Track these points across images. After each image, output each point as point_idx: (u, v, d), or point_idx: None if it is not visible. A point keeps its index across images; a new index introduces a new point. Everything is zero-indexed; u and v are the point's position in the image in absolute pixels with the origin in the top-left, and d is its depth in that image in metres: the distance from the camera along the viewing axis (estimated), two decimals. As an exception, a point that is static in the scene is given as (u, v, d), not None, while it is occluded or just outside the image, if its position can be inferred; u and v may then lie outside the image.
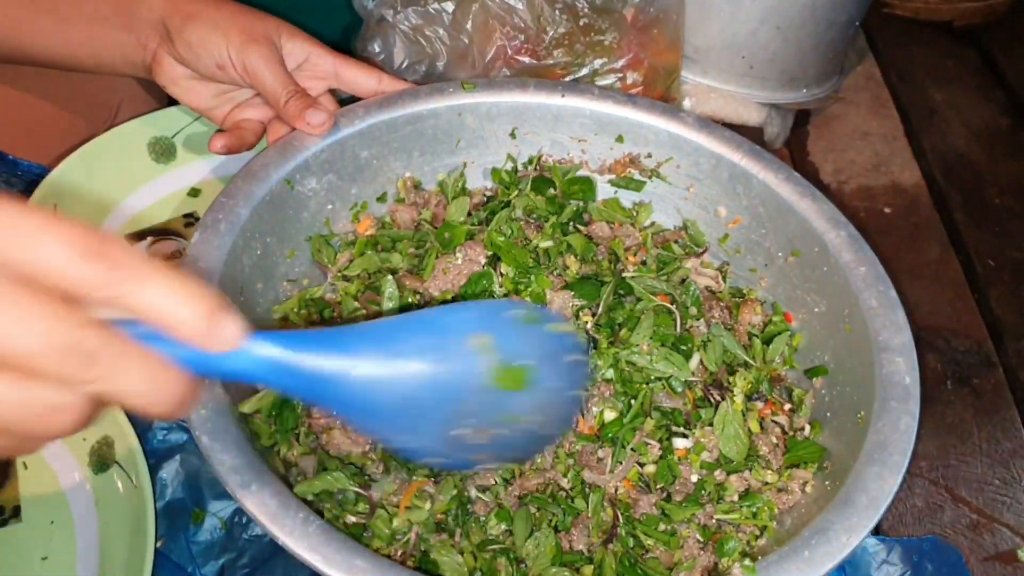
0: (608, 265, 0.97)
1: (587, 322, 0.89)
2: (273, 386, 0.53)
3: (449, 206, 1.00)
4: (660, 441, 0.84)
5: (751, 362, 0.91)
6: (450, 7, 1.08)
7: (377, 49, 1.10)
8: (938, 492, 1.01)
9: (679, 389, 0.87)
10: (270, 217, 0.89)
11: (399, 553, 0.77)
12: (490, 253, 0.93)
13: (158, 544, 0.86)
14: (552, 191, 1.04)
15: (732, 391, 0.87)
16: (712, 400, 0.87)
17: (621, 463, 0.83)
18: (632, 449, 0.84)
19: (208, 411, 0.70)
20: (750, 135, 1.03)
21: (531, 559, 0.77)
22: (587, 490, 0.82)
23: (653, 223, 1.07)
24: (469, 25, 1.08)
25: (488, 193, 1.06)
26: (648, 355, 0.87)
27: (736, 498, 0.82)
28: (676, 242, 1.03)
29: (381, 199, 1.03)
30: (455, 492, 0.80)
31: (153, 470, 0.89)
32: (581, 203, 1.04)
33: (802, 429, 0.88)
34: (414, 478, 0.80)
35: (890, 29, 1.71)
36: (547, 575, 0.76)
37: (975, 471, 1.03)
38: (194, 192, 1.19)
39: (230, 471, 0.67)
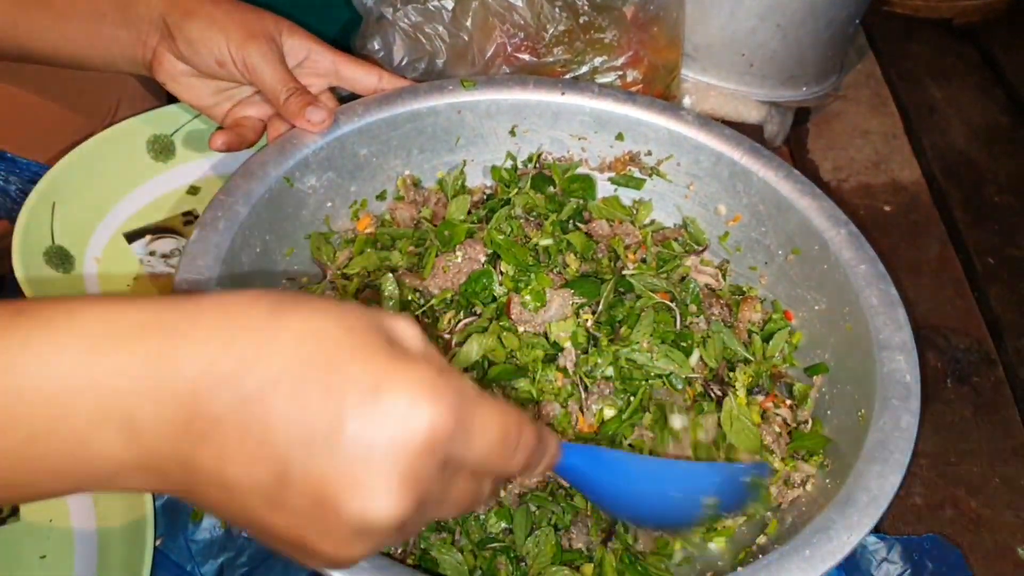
0: (608, 263, 0.97)
1: (587, 320, 0.89)
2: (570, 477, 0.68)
3: (449, 204, 0.99)
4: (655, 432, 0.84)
5: (751, 358, 0.91)
6: (450, 4, 1.08)
7: (377, 46, 1.10)
8: (938, 490, 1.01)
9: (679, 386, 0.87)
10: (269, 215, 0.89)
11: (399, 551, 0.77)
12: (490, 251, 0.92)
13: (157, 543, 0.86)
14: (552, 189, 1.04)
15: (733, 386, 0.87)
16: (713, 395, 0.87)
17: None
18: (630, 445, 0.84)
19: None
20: (750, 133, 1.02)
21: (531, 557, 0.77)
22: None
23: (653, 221, 1.07)
24: (469, 22, 1.08)
25: (488, 191, 1.06)
26: (648, 352, 0.87)
27: None
28: (676, 240, 1.03)
29: (381, 197, 1.03)
30: (455, 490, 0.79)
31: (152, 468, 0.89)
32: (581, 201, 1.04)
33: (805, 422, 0.88)
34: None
35: (890, 27, 1.70)
36: (547, 574, 0.75)
37: (975, 469, 1.03)
38: (193, 190, 1.18)
39: (229, 469, 0.66)
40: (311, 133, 0.93)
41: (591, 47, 1.11)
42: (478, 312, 0.89)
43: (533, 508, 0.80)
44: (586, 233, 1.00)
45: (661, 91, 1.20)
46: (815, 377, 0.91)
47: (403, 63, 1.10)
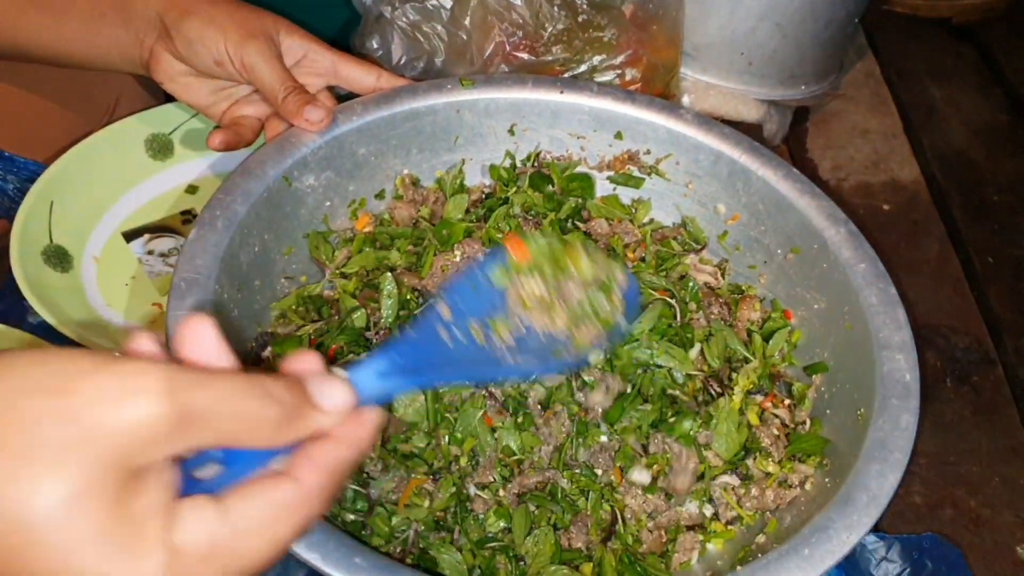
0: (607, 262, 0.96)
1: None
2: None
3: (447, 203, 0.99)
4: (656, 425, 0.84)
5: (751, 357, 0.91)
6: (448, 3, 1.08)
7: (375, 45, 1.09)
8: (937, 490, 1.01)
9: (680, 380, 0.87)
10: (268, 214, 0.89)
11: (398, 551, 0.77)
12: (488, 250, 0.92)
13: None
14: (550, 188, 1.03)
15: (732, 388, 0.87)
16: (713, 393, 0.87)
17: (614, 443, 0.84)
18: (626, 430, 0.84)
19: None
20: (749, 132, 1.02)
21: (530, 557, 0.77)
22: (585, 475, 0.82)
23: (652, 220, 1.07)
24: (467, 21, 1.08)
25: (486, 190, 1.06)
26: (648, 349, 0.87)
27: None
28: (675, 239, 1.03)
29: (379, 196, 1.03)
30: (454, 490, 0.79)
31: (150, 468, 0.89)
32: (580, 200, 1.04)
33: (803, 423, 0.88)
34: (413, 476, 0.80)
35: (889, 26, 1.70)
36: (546, 573, 0.75)
37: (975, 469, 1.03)
38: (192, 189, 1.18)
39: (228, 469, 0.66)
40: (310, 132, 0.92)
41: (590, 46, 1.11)
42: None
43: (532, 508, 0.80)
44: (585, 232, 1.00)
45: (660, 90, 1.20)
46: (814, 376, 0.91)
47: (401, 62, 1.10)
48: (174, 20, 0.90)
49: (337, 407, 0.48)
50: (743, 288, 1.01)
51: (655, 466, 0.83)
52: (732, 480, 0.84)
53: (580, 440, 0.83)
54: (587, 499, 0.81)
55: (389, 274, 0.89)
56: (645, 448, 0.84)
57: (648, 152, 1.04)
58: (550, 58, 1.11)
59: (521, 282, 0.71)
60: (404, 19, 1.08)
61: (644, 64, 1.15)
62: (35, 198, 1.04)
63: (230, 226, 0.83)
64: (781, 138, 1.39)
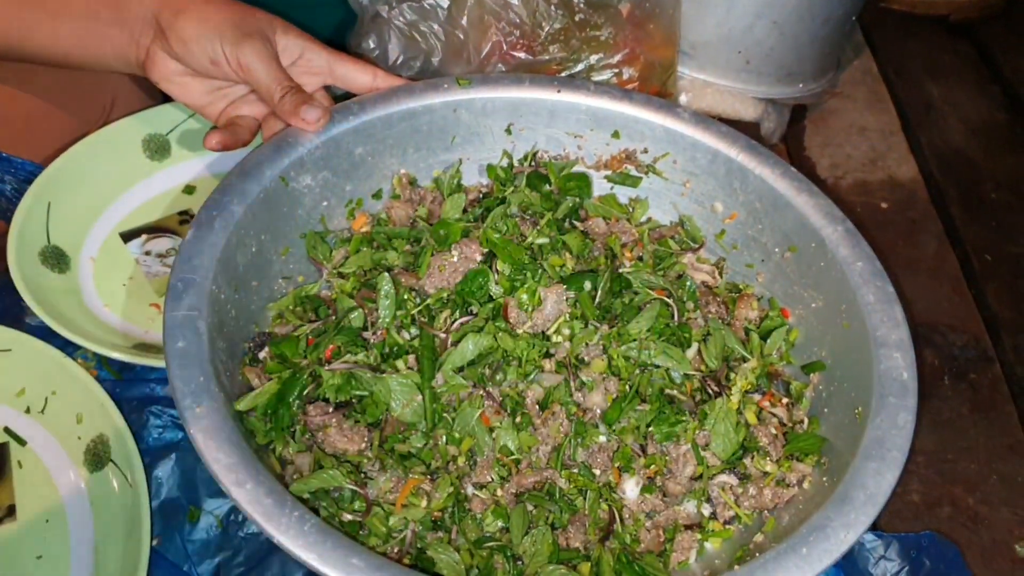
0: (604, 261, 0.96)
1: (579, 328, 0.89)
2: None
3: (445, 203, 0.99)
4: (657, 424, 0.84)
5: (748, 356, 0.91)
6: (445, 2, 1.08)
7: (372, 45, 1.09)
8: (935, 488, 1.01)
9: (678, 380, 0.87)
10: (265, 214, 0.88)
11: (395, 551, 0.77)
12: (486, 250, 0.92)
13: (154, 543, 0.86)
14: (548, 187, 1.03)
15: (730, 388, 0.87)
16: (711, 392, 0.87)
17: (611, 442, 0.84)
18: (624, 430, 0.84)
19: (203, 409, 0.69)
20: (746, 130, 1.02)
21: (528, 556, 0.77)
22: (583, 475, 0.82)
23: (649, 219, 1.07)
24: (464, 21, 1.08)
25: (484, 189, 1.06)
26: (646, 350, 0.87)
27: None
28: (672, 238, 1.03)
29: (376, 196, 1.02)
30: (451, 490, 0.79)
31: (148, 468, 0.89)
32: (577, 199, 1.04)
33: (801, 422, 0.88)
34: (410, 476, 0.80)
35: (887, 24, 1.70)
36: (544, 572, 0.75)
37: (973, 466, 1.03)
38: (189, 189, 1.18)
39: (225, 469, 0.66)
40: (306, 132, 0.92)
41: (587, 45, 1.11)
42: (474, 311, 0.89)
43: (530, 507, 0.80)
44: (582, 231, 1.00)
45: (657, 89, 1.19)
46: (812, 375, 0.91)
47: (398, 61, 1.10)
48: (169, 20, 0.90)
49: None
50: (741, 287, 1.01)
51: (652, 466, 0.83)
52: (730, 479, 0.84)
53: (578, 440, 0.83)
54: (585, 499, 0.81)
55: (386, 274, 0.88)
56: (643, 448, 0.84)
57: (645, 151, 1.04)
58: (547, 57, 1.11)
59: None
60: (401, 18, 1.08)
61: (641, 63, 1.15)
62: (32, 199, 1.04)
63: (227, 226, 0.83)
64: (779, 136, 1.39)
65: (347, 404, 0.83)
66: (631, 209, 1.06)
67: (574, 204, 1.03)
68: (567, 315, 0.89)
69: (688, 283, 0.95)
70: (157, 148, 1.18)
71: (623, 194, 1.07)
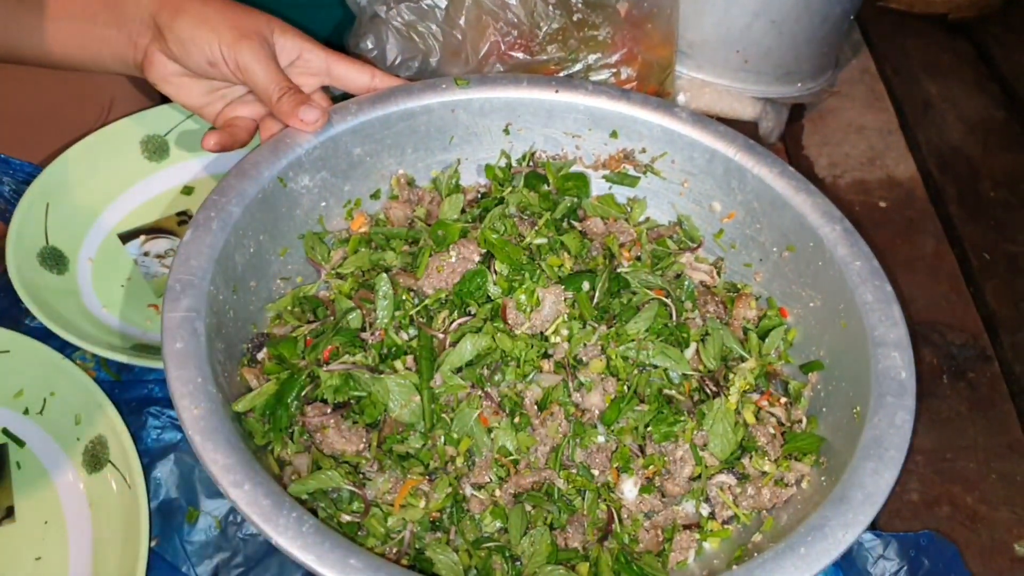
0: (603, 261, 0.96)
1: (578, 328, 0.89)
2: None
3: (443, 203, 0.99)
4: (656, 424, 0.84)
5: (747, 356, 0.91)
6: (443, 3, 1.08)
7: (370, 45, 1.09)
8: (934, 487, 1.01)
9: (676, 380, 0.87)
10: (263, 215, 0.89)
11: (394, 552, 0.77)
12: (484, 251, 0.92)
13: (152, 543, 0.85)
14: (546, 187, 1.03)
15: (728, 388, 0.87)
16: (709, 392, 0.87)
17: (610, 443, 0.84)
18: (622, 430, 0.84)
19: (201, 410, 0.69)
20: (745, 130, 1.02)
21: (527, 557, 0.77)
22: (581, 475, 0.82)
23: (648, 218, 1.07)
24: (462, 21, 1.08)
25: (482, 189, 1.06)
26: (644, 350, 0.87)
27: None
28: (671, 237, 1.03)
29: (375, 196, 1.02)
30: (450, 490, 0.79)
31: (147, 469, 0.89)
32: (575, 199, 1.04)
33: (799, 422, 0.88)
34: (409, 476, 0.80)
35: (885, 22, 1.70)
36: (543, 573, 0.75)
37: (971, 465, 1.03)
38: (187, 190, 1.18)
39: (223, 470, 0.66)
40: (304, 133, 0.92)
41: (585, 45, 1.11)
42: (472, 312, 0.89)
43: (529, 508, 0.80)
44: (580, 231, 1.00)
45: (655, 88, 1.20)
46: (810, 374, 0.91)
47: (396, 62, 1.10)
48: (167, 20, 0.90)
49: None
50: (739, 286, 1.01)
51: (651, 466, 0.83)
52: (728, 479, 0.84)
53: (577, 441, 0.83)
54: (583, 499, 0.81)
55: (385, 275, 0.88)
56: (642, 449, 0.85)
57: (643, 151, 1.04)
58: (545, 57, 1.11)
59: None
60: (399, 19, 1.08)
61: (639, 62, 1.15)
62: (31, 200, 1.04)
63: (225, 227, 0.83)
64: (777, 135, 1.39)
65: (345, 405, 0.83)
66: (629, 209, 1.06)
67: (572, 204, 1.03)
68: (565, 315, 0.89)
69: (686, 283, 0.96)
70: (155, 149, 1.18)
71: (621, 194, 1.07)
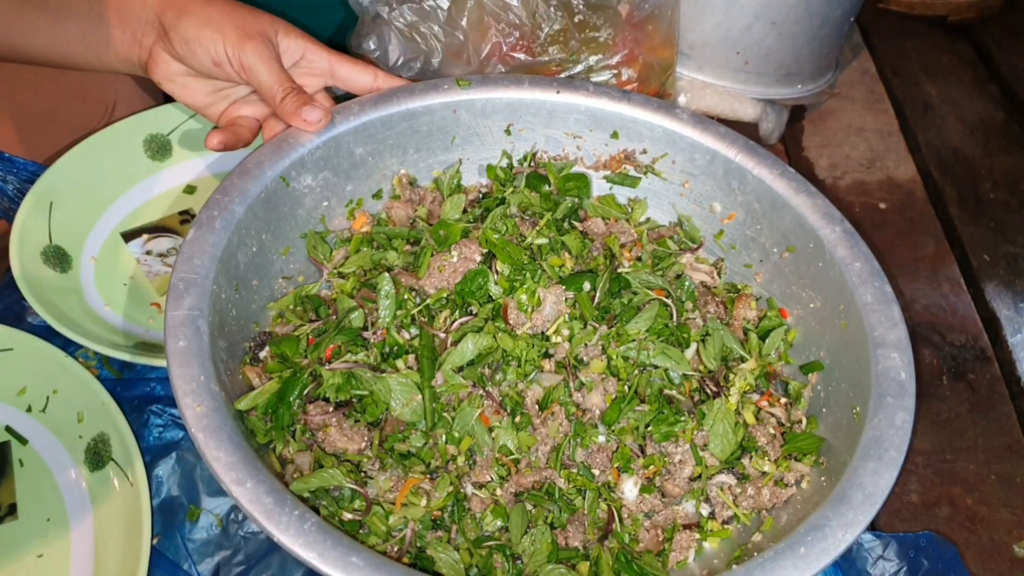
0: (603, 261, 0.97)
1: (578, 328, 0.90)
2: None
3: (444, 203, 0.99)
4: (656, 424, 0.84)
5: (747, 356, 0.91)
6: (445, 4, 1.08)
7: (372, 46, 1.10)
8: (934, 488, 1.01)
9: (677, 380, 0.87)
10: (265, 214, 0.89)
11: (395, 550, 0.77)
12: (486, 251, 0.93)
13: (154, 541, 0.86)
14: (547, 187, 1.04)
15: (728, 388, 0.87)
16: (709, 392, 0.87)
17: (610, 443, 0.84)
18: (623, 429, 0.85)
19: (204, 408, 0.70)
20: (745, 131, 1.03)
21: (527, 556, 0.77)
22: (582, 475, 0.82)
23: (648, 219, 1.07)
24: (464, 22, 1.08)
25: (483, 190, 1.06)
26: (645, 350, 0.87)
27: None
28: (671, 238, 1.03)
29: (377, 196, 1.03)
30: (451, 489, 0.80)
31: (149, 467, 0.89)
32: (576, 199, 1.04)
33: (799, 422, 0.88)
34: (410, 475, 0.80)
35: (885, 24, 1.71)
36: (543, 572, 0.76)
37: (971, 466, 1.03)
38: (190, 189, 1.19)
39: (225, 468, 0.67)
40: (307, 132, 0.93)
41: (586, 46, 1.11)
42: (474, 311, 0.89)
43: (530, 507, 0.80)
44: (582, 231, 1.00)
45: (656, 89, 1.20)
46: (810, 375, 0.91)
47: (399, 62, 1.10)
48: (172, 20, 0.90)
49: None
50: (739, 287, 1.01)
51: (651, 467, 0.83)
52: (729, 479, 0.84)
53: (577, 440, 0.84)
54: (584, 498, 0.82)
55: (387, 274, 0.89)
56: (642, 449, 0.85)
57: (644, 151, 1.04)
58: (546, 58, 1.11)
59: None
60: (401, 20, 1.08)
61: (640, 63, 1.15)
62: (34, 199, 1.05)
63: (228, 226, 0.83)
64: (778, 137, 1.39)
65: (347, 404, 0.83)
66: (630, 209, 1.06)
67: (573, 204, 1.03)
68: (566, 316, 0.89)
69: (687, 283, 0.96)
70: (158, 148, 1.19)
71: (622, 194, 1.07)
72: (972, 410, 1.09)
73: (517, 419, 0.83)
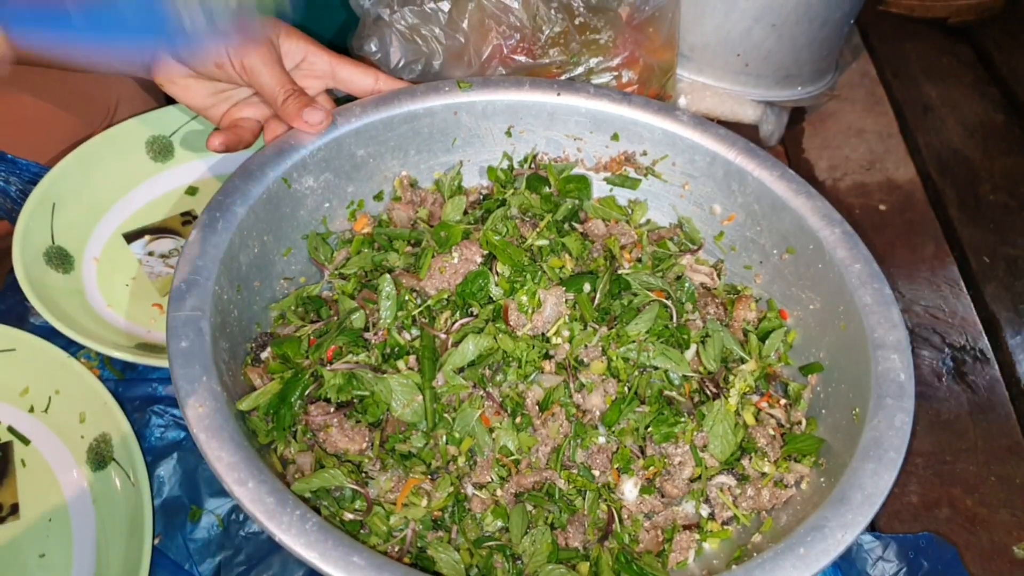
0: (604, 263, 0.97)
1: (579, 330, 0.90)
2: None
3: (445, 205, 1.00)
4: (656, 425, 0.85)
5: (747, 357, 0.91)
6: (446, 6, 1.08)
7: (374, 48, 1.10)
8: (934, 489, 1.01)
9: (677, 382, 0.87)
10: (267, 215, 0.89)
11: (396, 550, 0.77)
12: (486, 252, 0.93)
13: (155, 541, 0.86)
14: (548, 189, 1.04)
15: (728, 390, 0.87)
16: (709, 393, 0.87)
17: (611, 444, 0.84)
18: (623, 430, 0.85)
19: (205, 408, 0.70)
20: (745, 133, 1.03)
21: (528, 556, 0.77)
22: (582, 475, 0.83)
23: (648, 220, 1.07)
24: (465, 24, 1.09)
25: (484, 191, 1.07)
26: (645, 351, 0.87)
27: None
28: (671, 239, 1.04)
29: (378, 197, 1.03)
30: (451, 489, 0.80)
31: (151, 467, 0.89)
32: (577, 201, 1.04)
33: (799, 423, 0.89)
34: (411, 475, 0.80)
35: (885, 26, 1.71)
36: (543, 572, 0.76)
37: (971, 468, 1.03)
38: (192, 190, 1.19)
39: (227, 468, 0.67)
40: (309, 134, 0.93)
41: (587, 48, 1.12)
42: (475, 312, 0.90)
43: (530, 507, 0.80)
44: (582, 233, 1.00)
45: (656, 91, 1.20)
46: (810, 376, 0.91)
47: (400, 65, 1.10)
48: None
49: None
50: (739, 288, 1.01)
51: (651, 468, 0.84)
52: (728, 480, 0.84)
53: (578, 441, 0.84)
54: (584, 499, 0.82)
55: (388, 275, 0.89)
56: (642, 450, 0.85)
57: (644, 153, 1.04)
58: (547, 60, 1.11)
59: None
60: (402, 22, 1.09)
61: (640, 66, 1.15)
62: (37, 200, 1.05)
63: (230, 227, 0.84)
64: (778, 138, 1.39)
65: (348, 404, 0.83)
66: (630, 211, 1.06)
67: (574, 206, 1.03)
68: (567, 317, 0.90)
69: (687, 284, 0.96)
70: (160, 150, 1.19)
71: (622, 196, 1.08)
72: (972, 411, 1.09)
73: (517, 420, 0.84)
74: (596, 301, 0.91)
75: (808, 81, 1.36)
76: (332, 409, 0.82)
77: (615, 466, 0.84)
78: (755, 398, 0.89)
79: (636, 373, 0.88)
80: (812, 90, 1.38)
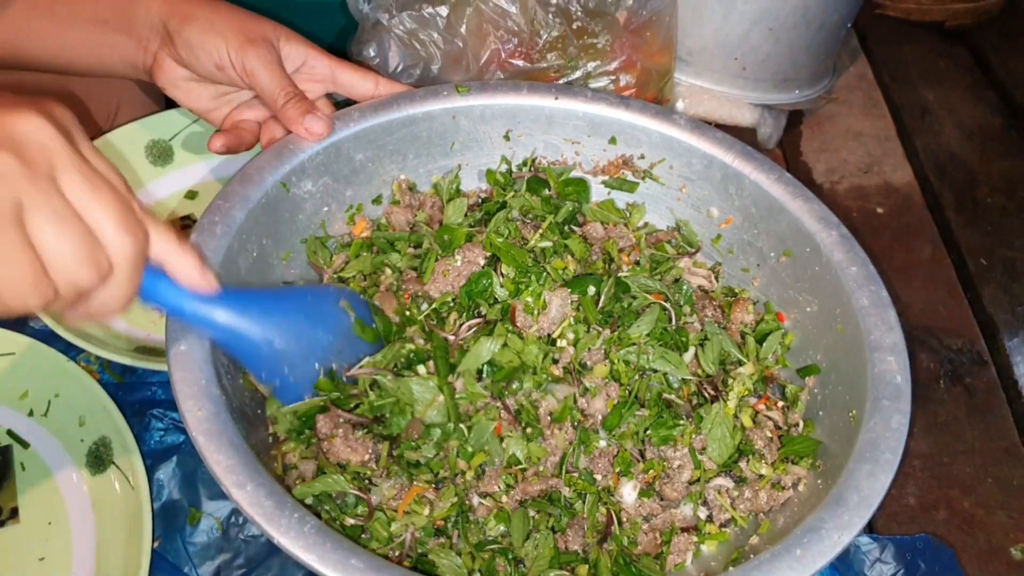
0: (603, 265, 0.97)
1: (583, 332, 0.90)
2: (207, 330, 0.74)
3: (446, 207, 1.00)
4: (655, 428, 0.85)
5: (744, 360, 0.92)
6: (444, 11, 1.09)
7: (372, 53, 1.10)
8: (931, 491, 1.02)
9: (675, 385, 0.88)
10: (266, 219, 0.89)
11: (396, 554, 0.77)
12: (489, 254, 0.93)
13: (155, 544, 0.86)
14: (547, 191, 1.04)
15: (726, 393, 0.88)
16: (707, 396, 0.87)
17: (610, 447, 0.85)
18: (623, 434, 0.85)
19: (204, 411, 0.70)
20: (743, 136, 1.03)
21: (530, 560, 0.77)
22: (584, 479, 0.83)
23: (646, 224, 1.07)
24: (463, 29, 1.09)
25: (482, 195, 1.07)
26: (644, 354, 0.87)
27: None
28: (669, 242, 1.04)
29: (376, 201, 1.03)
30: (455, 500, 0.80)
31: (150, 471, 0.90)
32: (576, 204, 1.04)
33: (796, 425, 0.89)
34: (415, 483, 0.80)
35: (882, 29, 1.71)
36: (544, 576, 0.76)
37: (968, 470, 1.04)
38: (191, 194, 1.19)
39: (226, 471, 0.67)
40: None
41: (584, 52, 1.12)
42: (482, 313, 0.90)
43: (532, 512, 0.81)
44: (581, 236, 1.01)
45: (654, 95, 1.20)
46: (807, 378, 0.92)
47: (399, 69, 1.11)
48: (176, 26, 0.91)
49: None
50: (736, 291, 1.02)
51: (651, 471, 0.84)
52: (726, 482, 0.84)
53: (582, 448, 0.84)
54: (584, 502, 0.82)
55: (389, 270, 0.89)
56: (642, 453, 0.85)
57: (642, 157, 1.05)
58: (545, 64, 1.11)
59: None
60: (401, 27, 1.09)
61: (638, 69, 1.16)
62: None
63: (229, 232, 0.84)
64: (775, 142, 1.40)
65: (379, 420, 0.83)
66: (628, 214, 1.07)
67: (573, 209, 1.03)
68: (571, 318, 0.90)
69: (684, 287, 0.96)
70: (160, 154, 1.19)
71: (620, 199, 1.08)
72: (969, 413, 1.09)
73: (529, 430, 0.84)
74: (600, 304, 0.91)
75: (806, 84, 1.37)
76: (341, 419, 0.82)
77: (616, 470, 0.84)
78: (752, 400, 0.89)
79: (636, 376, 0.88)
80: (810, 93, 1.38)
